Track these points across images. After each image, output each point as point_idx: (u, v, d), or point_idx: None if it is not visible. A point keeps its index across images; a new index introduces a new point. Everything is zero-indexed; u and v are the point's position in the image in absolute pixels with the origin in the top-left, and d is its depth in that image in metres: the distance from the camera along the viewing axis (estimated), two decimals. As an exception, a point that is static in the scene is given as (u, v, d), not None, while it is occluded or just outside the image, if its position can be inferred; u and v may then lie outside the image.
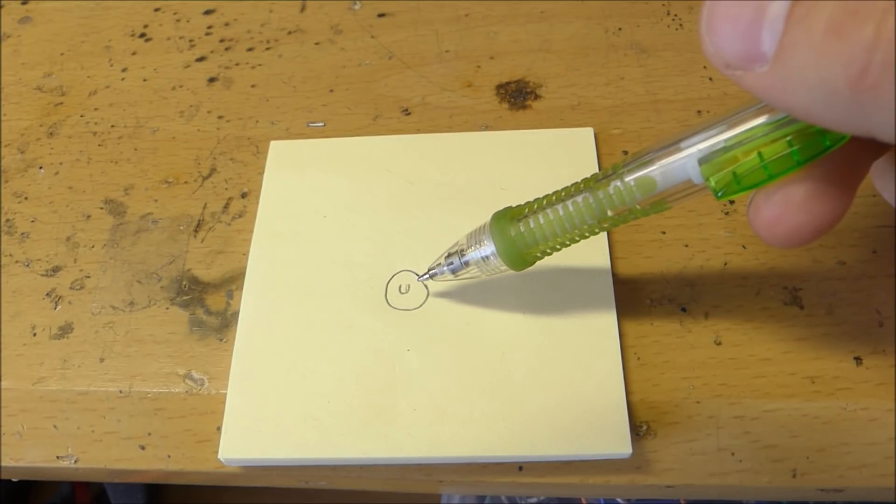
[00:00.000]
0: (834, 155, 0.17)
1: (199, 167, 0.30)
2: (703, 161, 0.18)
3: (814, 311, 0.24)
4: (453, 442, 0.22)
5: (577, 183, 0.21)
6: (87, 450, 0.24)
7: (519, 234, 0.22)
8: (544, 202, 0.21)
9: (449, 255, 0.23)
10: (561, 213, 0.21)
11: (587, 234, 0.21)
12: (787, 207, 0.18)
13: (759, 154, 0.17)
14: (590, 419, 0.22)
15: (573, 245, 0.25)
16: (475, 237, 0.23)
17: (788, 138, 0.17)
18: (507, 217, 0.22)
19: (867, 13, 0.12)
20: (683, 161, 0.19)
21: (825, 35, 0.13)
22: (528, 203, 0.22)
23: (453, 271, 0.23)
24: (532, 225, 0.21)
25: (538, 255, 0.22)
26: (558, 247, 0.22)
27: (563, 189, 0.21)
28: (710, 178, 0.18)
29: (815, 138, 0.17)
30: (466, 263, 0.23)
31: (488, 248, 0.22)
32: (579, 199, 0.20)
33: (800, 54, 0.14)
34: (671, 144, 0.19)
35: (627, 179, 0.20)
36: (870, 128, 0.14)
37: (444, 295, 0.25)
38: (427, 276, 0.24)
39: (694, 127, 0.19)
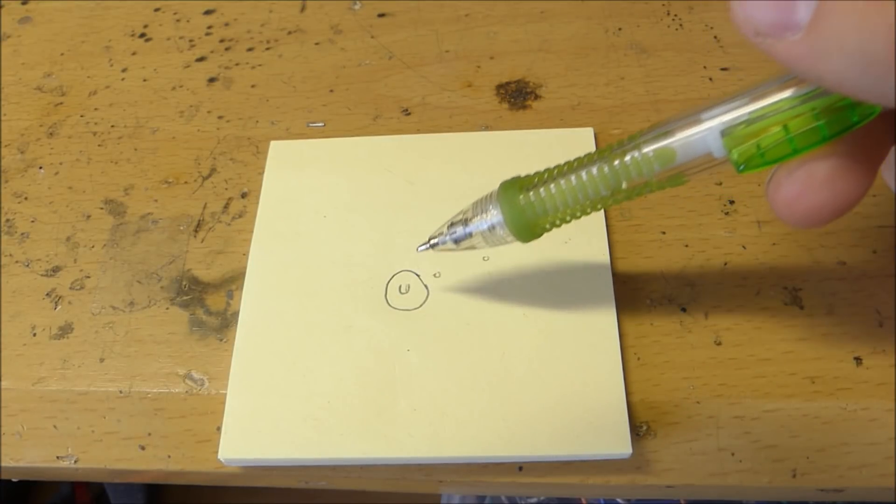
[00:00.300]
0: (858, 131, 0.17)
1: (199, 167, 0.30)
2: (725, 133, 0.17)
3: (814, 311, 0.24)
4: (453, 442, 0.22)
5: (590, 153, 0.20)
6: (87, 450, 0.24)
7: (528, 203, 0.20)
8: (555, 172, 0.20)
9: (452, 224, 0.22)
10: (574, 182, 0.20)
11: (599, 207, 0.20)
12: (810, 184, 0.17)
13: (785, 127, 0.17)
14: (590, 419, 0.22)
15: (572, 244, 0.24)
16: (481, 206, 0.22)
17: (816, 112, 0.16)
18: (516, 186, 0.21)
19: None
20: (705, 133, 0.18)
21: (867, 3, 0.13)
22: (537, 173, 0.21)
23: (456, 241, 0.22)
24: (543, 194, 0.20)
25: (546, 226, 0.21)
26: (568, 218, 0.21)
27: (575, 159, 0.20)
28: (732, 150, 0.18)
29: (844, 113, 0.16)
30: (470, 233, 0.22)
31: (495, 216, 0.21)
32: (594, 169, 0.19)
33: (838, 21, 0.13)
34: (692, 115, 0.18)
35: (646, 150, 0.19)
36: None
37: (444, 295, 0.25)
38: (427, 245, 0.23)
39: (715, 100, 0.18)
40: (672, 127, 0.18)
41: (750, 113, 0.17)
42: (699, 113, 0.18)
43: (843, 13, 0.13)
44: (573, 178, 0.20)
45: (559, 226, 0.21)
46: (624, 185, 0.19)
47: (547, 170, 0.21)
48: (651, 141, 0.19)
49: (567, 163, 0.20)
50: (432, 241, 0.23)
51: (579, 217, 0.21)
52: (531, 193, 0.20)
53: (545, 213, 0.20)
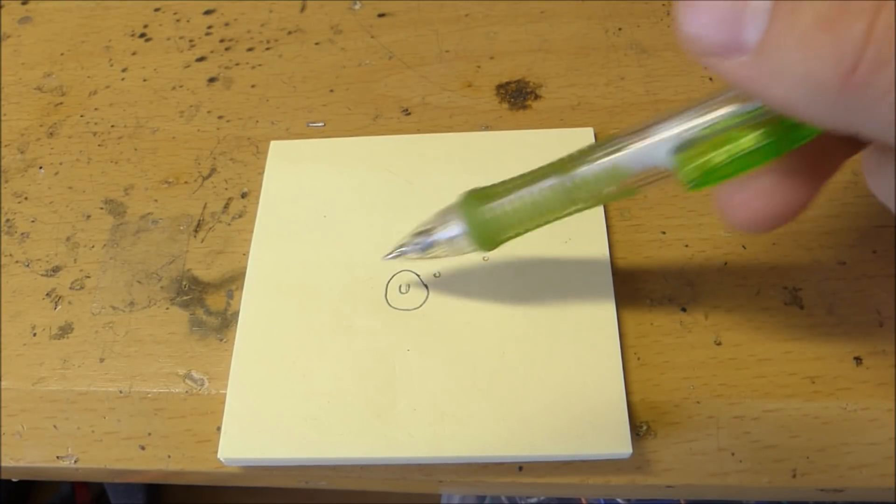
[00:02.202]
0: (803, 146, 0.17)
1: (199, 167, 0.30)
2: (674, 151, 0.18)
3: (814, 311, 0.24)
4: (453, 442, 0.22)
5: (546, 166, 0.21)
6: (87, 450, 0.24)
7: (489, 216, 0.21)
8: (511, 185, 0.21)
9: (417, 234, 0.23)
10: (527, 197, 0.20)
11: (555, 218, 0.21)
12: (754, 194, 0.18)
13: (733, 147, 0.17)
14: (590, 419, 0.22)
15: (572, 244, 0.25)
16: (443, 217, 0.22)
17: (762, 130, 0.17)
18: (476, 197, 0.22)
19: (859, 9, 0.12)
20: (654, 147, 0.18)
21: (814, 29, 0.13)
22: (495, 185, 0.22)
23: (422, 249, 0.23)
24: (500, 208, 0.21)
25: (506, 237, 0.22)
26: (529, 229, 0.22)
27: (531, 172, 0.21)
28: (681, 170, 0.18)
29: (791, 131, 0.17)
30: (434, 243, 0.23)
31: (457, 228, 0.22)
32: (549, 182, 0.20)
33: (786, 47, 0.13)
34: (642, 130, 0.18)
35: (596, 165, 0.19)
36: (855, 125, 0.14)
37: (444, 295, 0.25)
38: (394, 254, 0.24)
39: (664, 113, 0.18)
40: (623, 141, 0.19)
41: (699, 130, 0.17)
42: (649, 127, 0.18)
43: (791, 39, 0.13)
44: (526, 192, 0.21)
45: (519, 236, 0.22)
46: (578, 199, 0.20)
47: (503, 182, 0.21)
48: (602, 156, 0.19)
49: (525, 174, 0.21)
50: (399, 250, 0.24)
51: (540, 226, 0.21)
52: (491, 206, 0.21)
53: (504, 226, 0.21)
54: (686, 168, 0.18)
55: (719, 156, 0.17)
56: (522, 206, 0.21)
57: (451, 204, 0.22)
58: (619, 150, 0.19)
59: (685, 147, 0.18)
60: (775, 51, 0.13)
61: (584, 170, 0.19)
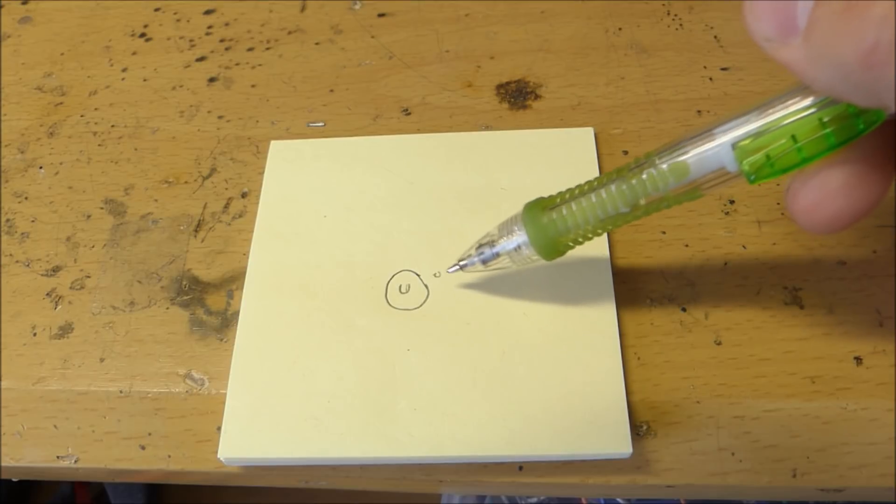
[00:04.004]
0: (871, 138, 0.17)
1: (199, 167, 0.30)
2: (736, 146, 0.18)
3: (814, 311, 0.24)
4: (453, 442, 0.22)
5: (609, 172, 0.21)
6: (88, 450, 0.24)
7: (551, 222, 0.21)
8: (576, 191, 0.21)
9: (480, 246, 0.23)
10: (594, 200, 0.21)
11: (620, 223, 0.21)
12: (825, 193, 0.18)
13: (793, 137, 0.17)
14: (590, 419, 0.22)
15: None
16: (506, 227, 0.23)
17: (823, 121, 0.17)
18: (539, 206, 0.22)
19: None
20: (717, 148, 0.19)
21: (842, 13, 0.14)
22: (559, 193, 0.22)
23: (484, 262, 0.23)
24: (564, 213, 0.21)
25: (570, 243, 0.22)
26: (590, 235, 0.22)
27: (594, 178, 0.21)
28: (742, 161, 0.18)
29: (850, 121, 0.17)
30: (497, 254, 0.23)
31: (520, 237, 0.22)
32: (612, 187, 0.20)
33: (821, 30, 0.14)
34: (705, 132, 0.19)
35: (661, 167, 0.19)
36: (884, 103, 0.14)
37: (444, 295, 0.25)
38: (457, 267, 0.24)
39: (727, 115, 0.19)
40: (686, 144, 0.19)
41: (759, 126, 0.18)
42: (712, 129, 0.19)
43: (826, 22, 0.14)
44: (592, 196, 0.21)
45: (582, 243, 0.22)
46: (642, 202, 0.20)
47: (568, 190, 0.22)
48: (666, 157, 0.20)
49: (587, 182, 0.21)
50: (461, 263, 0.24)
51: (601, 234, 0.22)
52: (553, 213, 0.21)
53: (567, 232, 0.21)
54: (747, 160, 0.18)
55: (779, 147, 0.18)
56: (584, 212, 0.21)
57: (513, 214, 0.23)
58: (682, 151, 0.19)
59: (745, 142, 0.18)
60: (816, 34, 0.14)
61: (648, 173, 0.20)
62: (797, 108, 0.17)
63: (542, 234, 0.22)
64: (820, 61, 0.15)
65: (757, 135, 0.18)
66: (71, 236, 0.29)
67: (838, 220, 0.18)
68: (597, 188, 0.21)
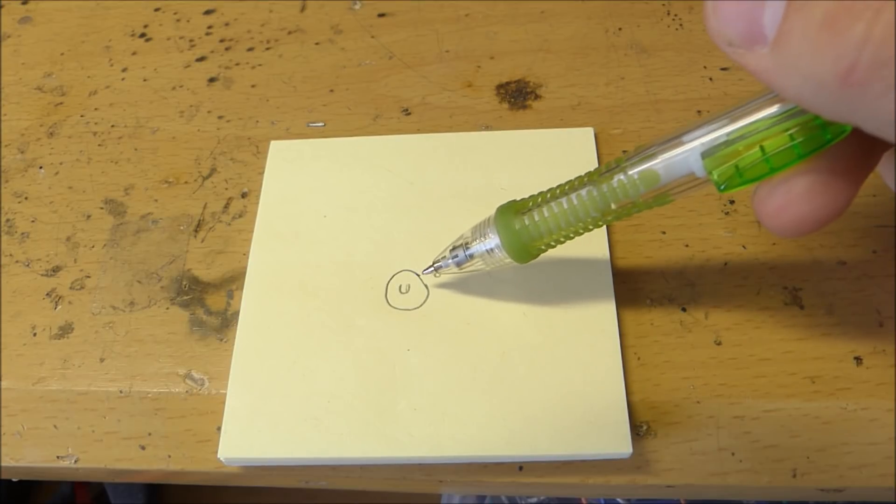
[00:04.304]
0: (837, 147, 0.17)
1: (199, 167, 0.30)
2: (705, 155, 0.18)
3: (814, 311, 0.24)
4: (453, 442, 0.22)
5: (580, 177, 0.21)
6: (87, 450, 0.24)
7: (523, 227, 0.22)
8: (548, 195, 0.22)
9: (454, 249, 0.24)
10: (565, 206, 0.21)
11: (591, 227, 0.21)
12: (790, 198, 0.18)
13: (762, 147, 0.18)
14: (590, 419, 0.22)
15: (574, 243, 0.25)
16: (479, 230, 0.23)
17: (790, 132, 0.17)
18: (512, 210, 0.22)
19: (860, 10, 0.13)
20: (686, 154, 0.19)
21: (819, 28, 0.13)
22: (531, 196, 0.22)
23: (458, 264, 0.24)
24: (536, 218, 0.22)
25: (542, 247, 0.22)
26: (562, 239, 0.22)
27: (566, 182, 0.21)
28: (712, 171, 0.18)
29: (817, 132, 0.17)
30: (471, 256, 0.23)
31: (493, 240, 0.22)
32: (583, 192, 0.21)
33: (796, 43, 0.14)
34: (674, 138, 0.19)
35: (631, 173, 0.20)
36: (857, 120, 0.14)
37: (444, 295, 0.25)
38: (431, 269, 0.24)
39: (696, 121, 0.19)
40: (656, 150, 0.19)
41: (728, 134, 0.18)
42: (681, 135, 0.19)
43: (800, 35, 0.14)
44: (564, 201, 0.21)
45: (554, 246, 0.22)
46: (613, 206, 0.20)
47: (540, 193, 0.22)
48: (636, 164, 0.20)
49: (559, 186, 0.22)
50: (436, 265, 0.24)
51: (573, 238, 0.22)
52: (525, 218, 0.22)
53: (539, 237, 0.22)
54: (716, 170, 0.18)
55: (748, 157, 0.18)
56: (556, 217, 0.21)
57: (486, 217, 0.23)
58: (651, 157, 0.19)
59: (715, 151, 0.18)
60: (787, 46, 0.14)
61: (618, 179, 0.20)
62: (766, 117, 0.17)
63: (515, 238, 0.22)
64: (791, 73, 0.14)
65: (726, 143, 0.18)
66: (71, 236, 0.29)
67: (803, 224, 0.18)
68: (568, 193, 0.21)
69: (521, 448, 0.22)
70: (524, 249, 0.22)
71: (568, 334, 0.24)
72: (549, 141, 0.28)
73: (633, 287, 0.25)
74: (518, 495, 0.45)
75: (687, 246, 0.26)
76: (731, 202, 0.27)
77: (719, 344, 0.24)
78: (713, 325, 0.24)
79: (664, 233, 0.26)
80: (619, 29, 0.32)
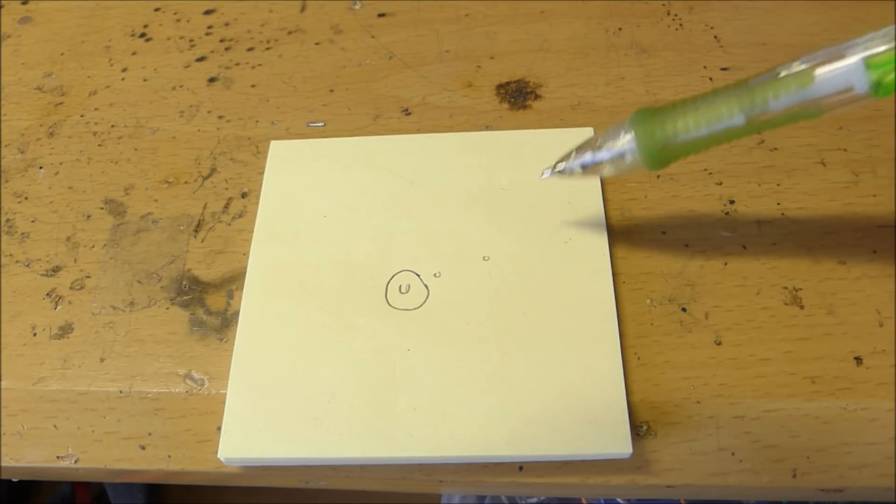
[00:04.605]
0: None
1: (199, 167, 0.30)
2: (868, 58, 0.18)
3: (814, 311, 0.24)
4: (453, 442, 0.22)
5: (728, 84, 0.20)
6: (88, 450, 0.24)
7: (661, 126, 0.20)
8: (690, 100, 0.20)
9: (581, 149, 0.22)
10: (707, 108, 0.20)
11: (732, 137, 0.20)
12: None
13: None
14: (590, 419, 0.22)
15: (572, 244, 0.24)
16: (611, 133, 0.22)
17: None
18: (649, 113, 0.21)
19: None
20: (847, 60, 0.18)
21: None
22: (671, 102, 0.21)
23: (584, 166, 0.22)
24: (675, 121, 0.20)
25: (678, 153, 0.21)
26: (701, 147, 0.21)
27: (711, 90, 0.20)
28: (874, 70, 0.18)
29: None
30: (600, 160, 0.22)
31: (627, 142, 0.21)
32: (730, 95, 0.19)
33: None
34: (832, 49, 0.18)
35: (783, 73, 0.19)
36: None
37: (444, 295, 0.25)
38: (552, 170, 0.23)
39: (856, 36, 0.18)
40: (811, 57, 0.19)
41: (886, 39, 0.18)
42: (839, 46, 0.18)
43: None
44: (706, 102, 0.20)
45: (689, 154, 0.21)
46: (758, 111, 0.19)
47: (681, 99, 0.21)
48: (790, 65, 0.19)
49: (703, 93, 0.20)
50: (559, 167, 0.23)
51: (710, 147, 0.20)
52: (665, 119, 0.20)
53: (676, 138, 0.20)
54: (879, 69, 0.18)
55: None
56: (699, 119, 0.20)
57: (620, 121, 0.21)
58: (808, 62, 0.19)
59: (877, 57, 0.18)
60: None
61: (768, 78, 0.19)
62: None
63: (650, 139, 0.20)
64: None
65: (886, 50, 0.18)
66: (71, 236, 0.29)
67: None
68: (708, 96, 0.20)
69: (521, 448, 0.22)
70: (660, 153, 0.21)
71: (568, 334, 0.24)
72: (549, 141, 0.28)
73: (633, 287, 0.25)
74: (518, 495, 0.45)
75: (687, 246, 0.26)
76: (731, 202, 0.27)
77: (719, 344, 0.24)
78: (713, 325, 0.24)
79: (664, 233, 0.26)
80: (619, 29, 0.32)
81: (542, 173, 0.23)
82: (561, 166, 0.23)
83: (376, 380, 0.24)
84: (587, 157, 0.22)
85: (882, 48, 0.18)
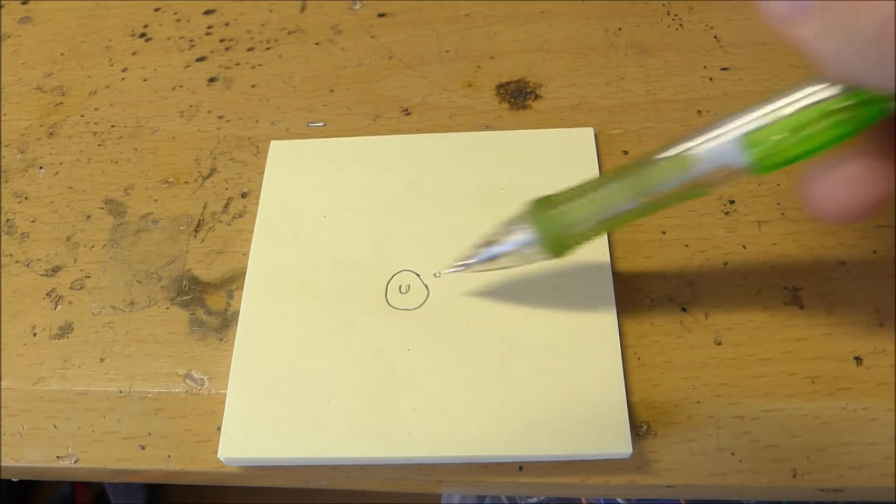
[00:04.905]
0: (886, 129, 0.17)
1: (199, 167, 0.30)
2: (744, 136, 0.18)
3: (814, 311, 0.24)
4: (453, 442, 0.22)
5: (616, 168, 0.21)
6: (87, 450, 0.24)
7: (557, 215, 0.21)
8: (579, 189, 0.21)
9: (481, 245, 0.23)
10: (598, 195, 0.20)
11: (625, 221, 0.21)
12: (839, 183, 0.18)
13: (799, 126, 0.18)
14: (590, 419, 0.22)
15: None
16: (508, 225, 0.22)
17: (830, 110, 0.17)
18: (543, 204, 0.22)
19: None
20: (722, 140, 0.19)
21: None
22: (561, 191, 0.22)
23: (486, 260, 0.23)
24: (570, 212, 0.21)
25: (575, 240, 0.22)
26: (596, 233, 0.21)
27: (600, 176, 0.21)
28: (751, 149, 0.18)
29: (857, 111, 0.17)
30: (500, 253, 0.22)
31: (524, 234, 0.22)
32: (617, 182, 0.20)
33: (838, 3, 0.15)
34: (708, 128, 0.19)
35: (662, 162, 0.19)
36: (891, 82, 0.15)
37: (444, 295, 0.25)
38: (455, 268, 0.24)
39: (729, 113, 0.19)
40: (689, 138, 0.19)
41: (765, 115, 0.18)
42: (715, 125, 0.19)
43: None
44: (596, 192, 0.21)
45: (588, 240, 0.22)
46: (644, 199, 0.20)
47: (570, 188, 0.21)
48: (667, 153, 0.19)
49: (589, 181, 0.21)
50: (462, 263, 0.23)
51: (606, 231, 0.22)
52: (559, 210, 0.21)
53: (572, 227, 0.21)
54: (755, 148, 0.18)
55: (784, 137, 0.18)
56: (590, 208, 0.21)
57: (516, 213, 0.22)
58: (687, 144, 0.19)
59: (754, 132, 0.18)
60: (832, 7, 0.15)
61: (654, 167, 0.19)
62: (803, 99, 0.17)
63: (547, 229, 0.21)
64: (834, 36, 0.15)
65: (763, 126, 0.18)
66: (71, 236, 0.29)
67: (850, 210, 0.18)
68: (599, 185, 0.21)
69: (521, 448, 0.22)
70: (557, 242, 0.21)
71: (568, 334, 0.24)
72: (549, 141, 0.28)
73: (633, 287, 0.25)
74: (518, 495, 0.45)
75: (687, 246, 0.26)
76: (731, 202, 0.27)
77: (719, 344, 0.24)
78: (713, 325, 0.24)
79: (664, 233, 0.26)
80: (619, 29, 0.32)
81: (446, 270, 0.24)
82: (463, 263, 0.23)
83: (376, 380, 0.24)
84: (488, 251, 0.23)
85: (754, 126, 0.18)
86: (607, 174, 0.21)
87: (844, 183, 0.18)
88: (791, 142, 0.18)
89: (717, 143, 0.19)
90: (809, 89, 0.17)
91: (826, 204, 0.18)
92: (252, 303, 0.26)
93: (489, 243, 0.23)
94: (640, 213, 0.21)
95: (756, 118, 0.18)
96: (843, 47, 0.15)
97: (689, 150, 0.19)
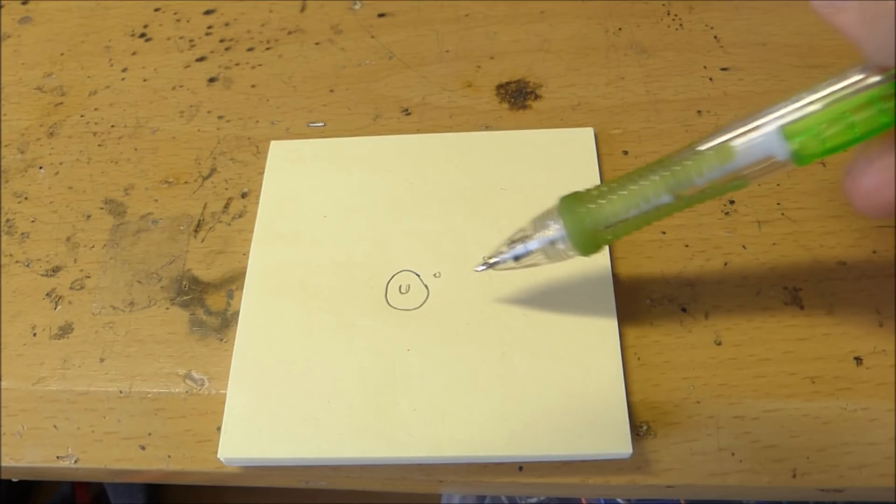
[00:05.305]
0: None
1: (199, 167, 0.30)
2: (784, 127, 0.18)
3: (814, 311, 0.24)
4: (453, 442, 0.22)
5: (650, 162, 0.20)
6: (87, 450, 0.24)
7: (589, 212, 0.20)
8: (614, 183, 0.21)
9: (512, 242, 0.22)
10: (634, 189, 0.20)
11: (661, 215, 0.20)
12: (883, 177, 0.18)
13: (845, 114, 0.17)
14: (590, 419, 0.22)
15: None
16: (540, 221, 0.22)
17: (876, 97, 0.17)
18: (576, 199, 0.21)
19: None
20: (764, 130, 0.18)
21: None
22: (596, 185, 0.21)
23: (516, 258, 0.22)
24: (602, 207, 0.20)
25: (608, 237, 0.21)
26: (631, 228, 0.21)
27: (634, 170, 0.20)
28: (794, 138, 0.18)
29: None
30: (531, 250, 0.22)
31: (556, 231, 0.21)
32: (654, 175, 0.20)
33: None
34: (748, 118, 0.19)
35: (704, 149, 0.19)
36: None
37: (444, 295, 0.25)
38: (486, 265, 0.23)
39: (773, 102, 0.19)
40: (729, 129, 0.19)
41: (810, 103, 0.18)
42: (755, 115, 0.19)
43: None
44: (633, 185, 0.20)
45: (620, 236, 0.21)
46: (684, 192, 0.19)
47: (605, 182, 0.21)
48: (709, 141, 0.19)
49: (626, 174, 0.21)
50: (492, 261, 0.23)
51: (640, 227, 0.21)
52: (591, 204, 0.21)
53: (606, 223, 0.21)
54: (797, 138, 0.18)
55: (829, 126, 0.18)
56: (625, 203, 0.20)
57: (547, 208, 0.22)
58: (728, 135, 0.19)
59: (794, 124, 0.18)
60: None
61: (695, 157, 0.19)
62: (846, 87, 0.17)
63: (580, 226, 0.21)
64: (874, 21, 0.15)
65: (804, 116, 0.18)
66: (71, 236, 0.29)
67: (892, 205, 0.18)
68: (634, 179, 0.20)
69: (521, 448, 0.22)
70: (589, 239, 0.21)
71: (568, 334, 0.24)
72: (549, 141, 0.28)
73: (633, 287, 0.25)
74: (518, 495, 0.45)
75: (687, 246, 0.26)
76: (731, 202, 0.27)
77: (719, 344, 0.24)
78: (713, 325, 0.24)
79: (664, 233, 0.26)
80: (619, 29, 0.32)
81: (477, 267, 0.24)
82: (494, 259, 0.23)
83: (376, 380, 0.24)
84: (518, 248, 0.22)
85: (796, 116, 0.18)
86: (640, 169, 0.20)
87: (888, 176, 0.18)
88: (833, 131, 0.18)
89: (760, 133, 0.18)
90: (852, 78, 0.17)
91: (869, 199, 0.18)
92: (252, 303, 0.26)
93: (519, 240, 0.22)
94: (674, 207, 0.20)
95: (797, 108, 0.18)
96: (883, 33, 0.15)
97: (730, 139, 0.19)
